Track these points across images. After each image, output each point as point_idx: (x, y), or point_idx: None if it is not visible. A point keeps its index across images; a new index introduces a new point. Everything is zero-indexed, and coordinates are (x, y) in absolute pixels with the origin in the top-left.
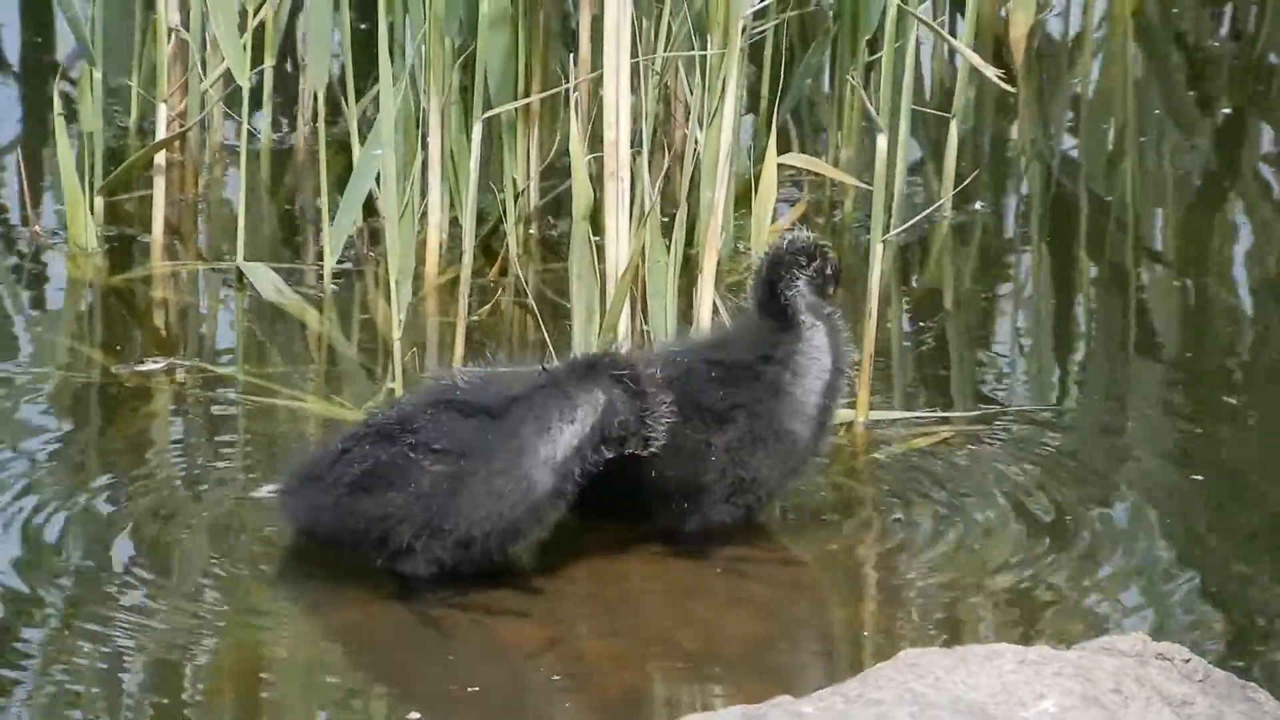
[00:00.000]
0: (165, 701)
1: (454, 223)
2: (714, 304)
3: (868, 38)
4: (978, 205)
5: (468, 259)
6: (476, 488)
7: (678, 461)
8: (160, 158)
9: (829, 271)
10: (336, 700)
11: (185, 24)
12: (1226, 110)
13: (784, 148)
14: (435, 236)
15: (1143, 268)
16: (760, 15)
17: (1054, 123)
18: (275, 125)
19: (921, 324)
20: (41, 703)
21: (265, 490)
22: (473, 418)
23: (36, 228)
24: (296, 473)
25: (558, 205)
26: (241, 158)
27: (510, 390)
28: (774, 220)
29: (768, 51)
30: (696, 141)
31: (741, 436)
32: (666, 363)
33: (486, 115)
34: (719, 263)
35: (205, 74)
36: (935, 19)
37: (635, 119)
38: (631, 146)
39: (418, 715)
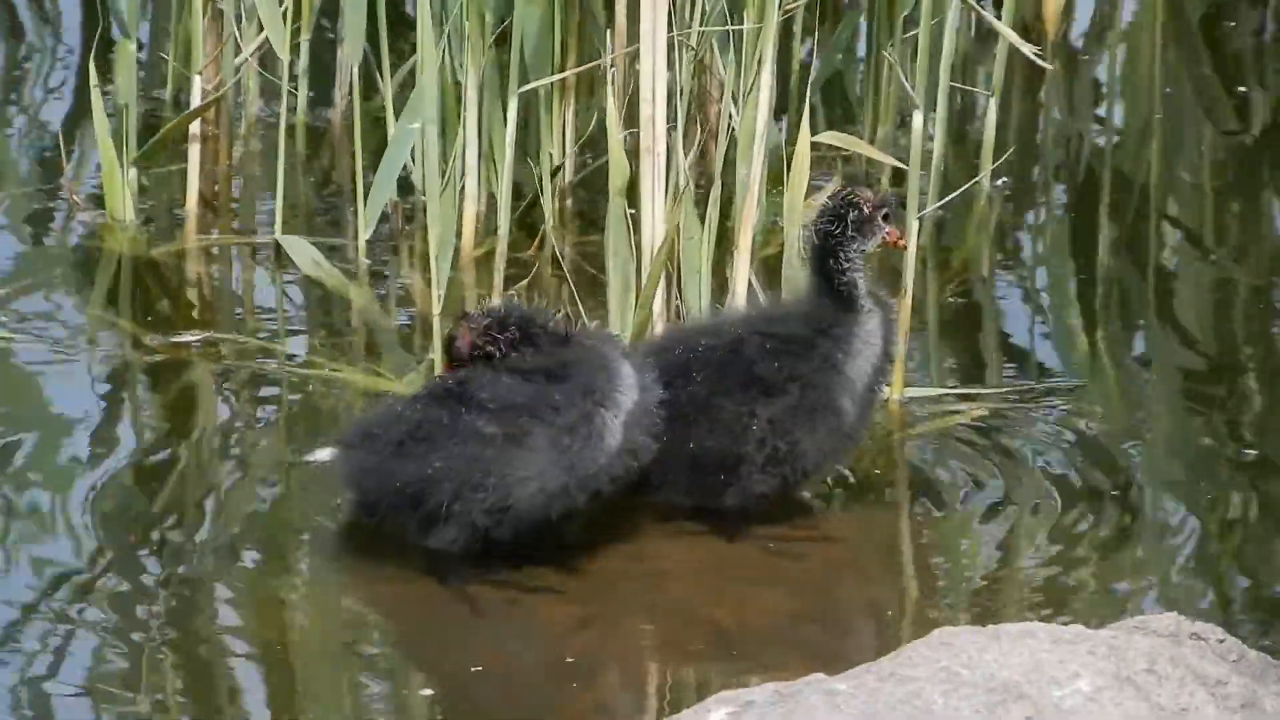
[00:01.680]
0: (194, 668)
1: (491, 197)
2: (749, 280)
3: (905, 14)
4: (999, 181)
5: (503, 232)
6: (538, 444)
7: (716, 434)
8: (195, 130)
9: (870, 209)
10: (360, 674)
11: None
12: (1248, 88)
13: (818, 125)
14: (471, 211)
15: (1176, 245)
16: None
17: (1084, 99)
18: (310, 100)
19: (958, 301)
20: (75, 666)
21: (319, 454)
22: (533, 381)
23: (74, 199)
24: (356, 430)
25: (595, 180)
26: (280, 131)
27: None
28: (808, 197)
29: (798, 27)
30: (731, 117)
31: (791, 407)
32: (716, 333)
33: (522, 90)
34: (754, 239)
35: (242, 46)
36: None
37: (670, 95)
38: (666, 122)
39: (431, 692)
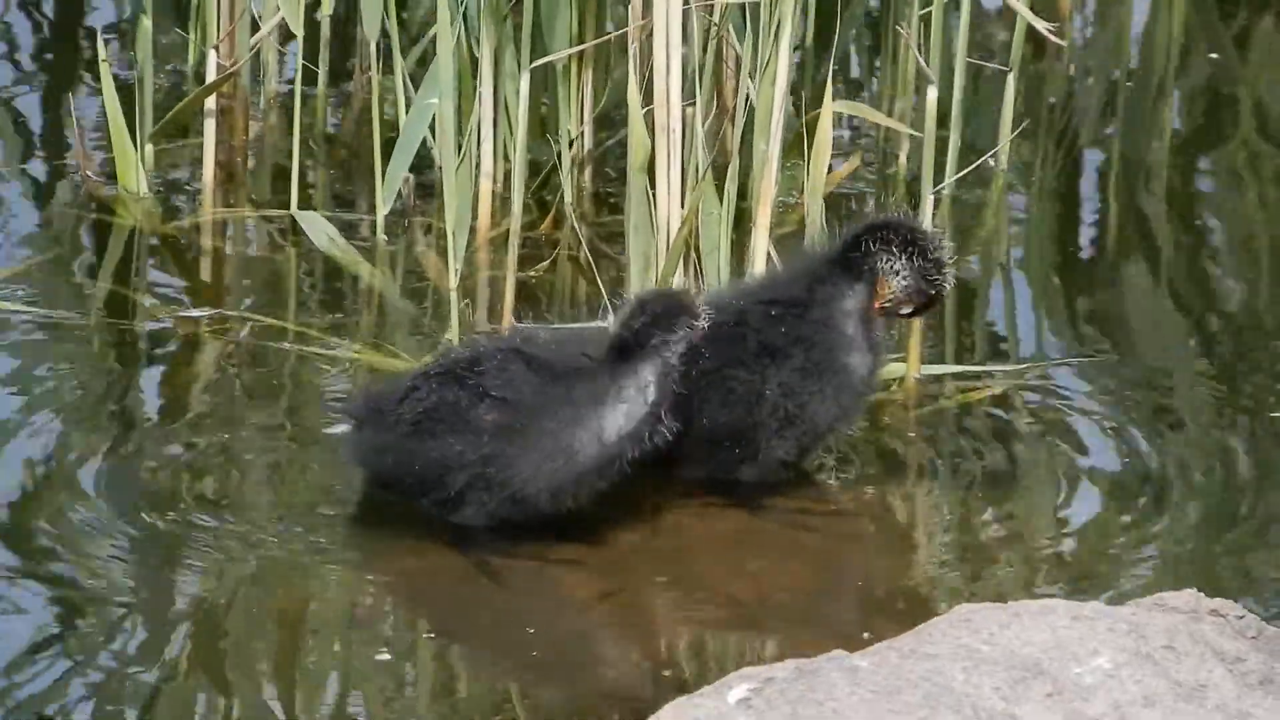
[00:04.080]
0: (216, 642)
1: (509, 175)
2: (768, 256)
3: None
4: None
5: (517, 209)
6: (527, 443)
7: (730, 406)
8: (211, 104)
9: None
10: (379, 645)
11: None
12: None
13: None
14: (488, 188)
15: (1193, 218)
16: None
17: (1099, 73)
18: (330, 75)
19: (974, 277)
20: (93, 641)
21: (337, 428)
22: (538, 373)
23: (85, 172)
24: (364, 409)
25: (610, 157)
26: (295, 107)
27: (579, 356)
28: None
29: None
30: (749, 92)
31: (797, 370)
32: (719, 308)
33: (535, 64)
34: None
35: (260, 21)
36: None
37: (690, 71)
38: (686, 99)
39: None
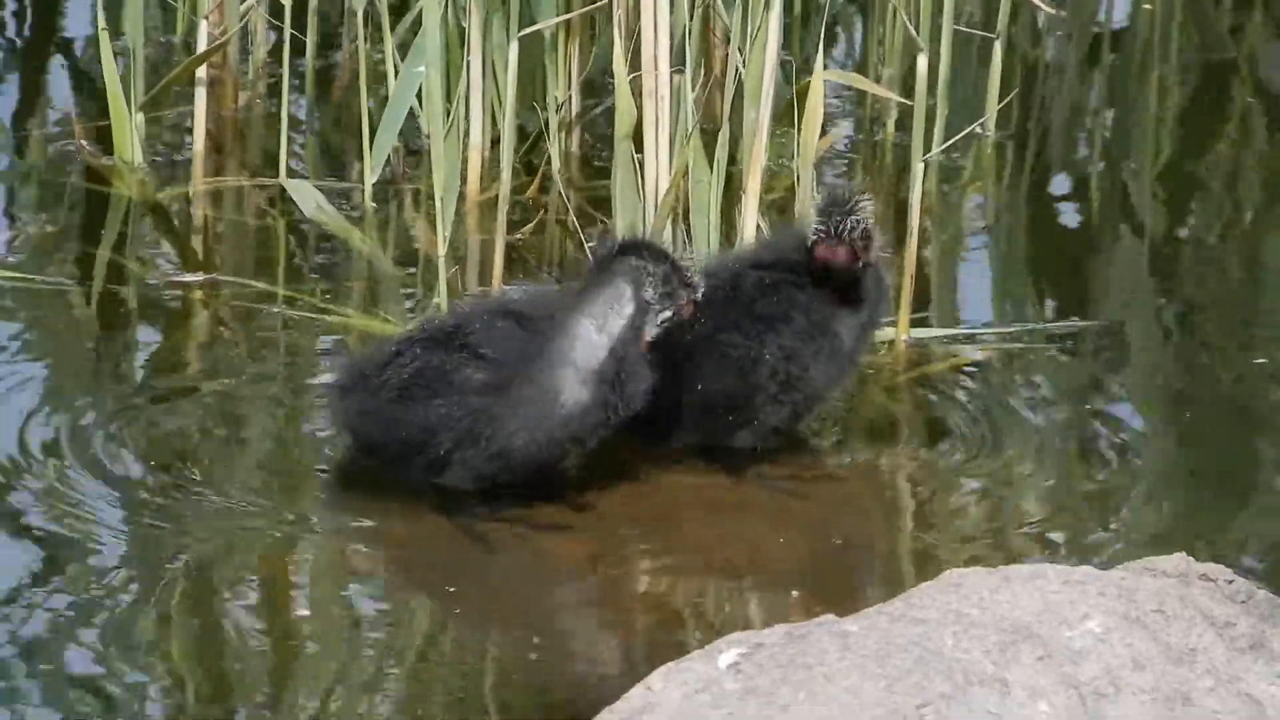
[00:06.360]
0: (204, 608)
1: (496, 141)
2: (757, 223)
3: None
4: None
5: (506, 176)
6: (513, 399)
7: (725, 372)
8: (202, 74)
9: (855, 233)
10: (368, 612)
11: None
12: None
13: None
14: (476, 154)
15: (1179, 186)
16: None
17: (1088, 42)
18: (318, 44)
19: (963, 242)
20: (80, 606)
21: (323, 379)
22: (524, 328)
23: (82, 142)
24: (349, 374)
25: (597, 122)
26: (284, 76)
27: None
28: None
29: None
30: (740, 55)
31: (796, 334)
32: (713, 272)
33: (524, 33)
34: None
35: None
36: None
37: (677, 37)
38: (674, 66)
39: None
